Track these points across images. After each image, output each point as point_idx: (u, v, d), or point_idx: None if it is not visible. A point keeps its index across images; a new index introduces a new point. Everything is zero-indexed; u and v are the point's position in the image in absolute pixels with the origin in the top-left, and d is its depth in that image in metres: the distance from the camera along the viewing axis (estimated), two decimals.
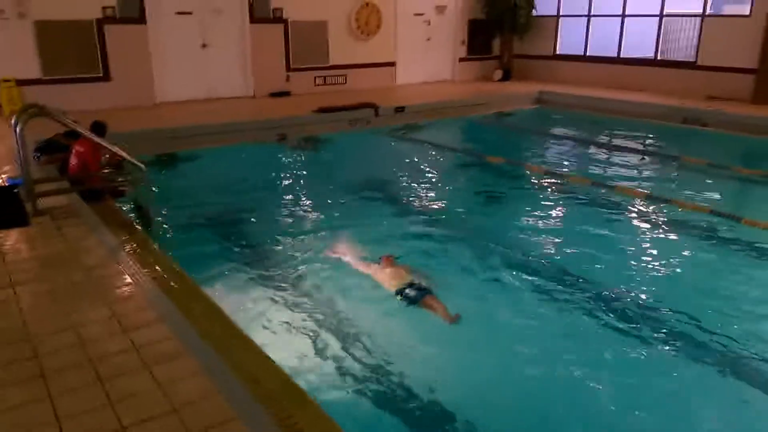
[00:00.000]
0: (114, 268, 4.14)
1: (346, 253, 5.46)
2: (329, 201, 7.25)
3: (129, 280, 3.95)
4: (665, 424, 3.51)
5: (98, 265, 4.16)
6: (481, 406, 3.63)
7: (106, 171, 6.55)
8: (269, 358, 3.24)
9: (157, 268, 4.29)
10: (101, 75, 11.11)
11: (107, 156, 6.51)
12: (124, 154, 5.63)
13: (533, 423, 3.54)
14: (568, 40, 15.46)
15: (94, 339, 3.17)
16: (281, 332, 4.35)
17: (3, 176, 6.44)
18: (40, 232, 4.80)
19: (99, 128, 6.50)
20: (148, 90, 11.64)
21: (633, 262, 5.53)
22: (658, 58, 13.72)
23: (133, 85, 11.39)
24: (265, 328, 4.38)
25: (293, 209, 7.13)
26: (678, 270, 5.46)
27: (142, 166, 5.68)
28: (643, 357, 4.11)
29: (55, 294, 3.71)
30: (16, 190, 5.72)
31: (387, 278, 4.90)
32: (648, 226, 6.51)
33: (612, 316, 4.54)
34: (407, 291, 4.68)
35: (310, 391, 3.11)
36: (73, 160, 6.25)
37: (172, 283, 4.03)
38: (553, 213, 6.97)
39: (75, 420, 2.54)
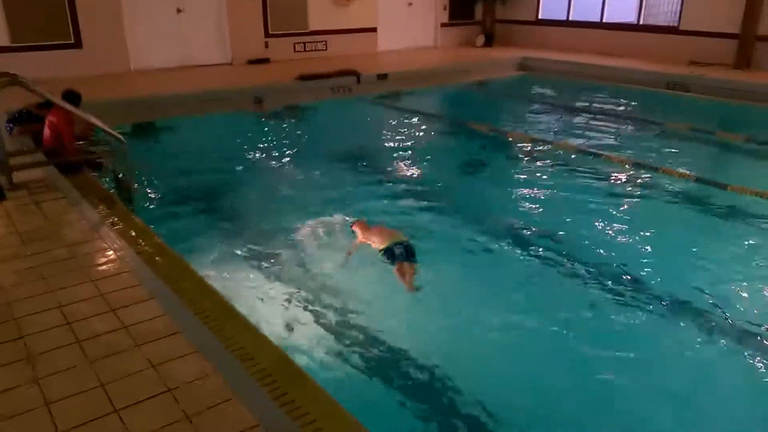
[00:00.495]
0: (98, 244, 4.01)
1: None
2: (312, 170, 7.13)
3: (114, 255, 3.83)
4: (645, 391, 3.55)
5: (81, 241, 4.02)
6: (469, 374, 3.65)
7: (81, 143, 6.34)
8: (263, 334, 3.18)
9: (141, 242, 4.18)
10: (72, 42, 10.70)
11: (81, 127, 6.30)
12: (102, 125, 5.43)
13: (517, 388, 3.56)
14: (551, 4, 15.27)
15: (81, 318, 3.07)
16: (265, 303, 4.29)
17: None
18: (18, 207, 4.62)
19: (72, 98, 6.25)
20: (122, 57, 11.26)
21: (618, 229, 5.54)
22: (641, 22, 13.63)
23: (105, 51, 11.01)
24: (249, 299, 4.30)
25: (275, 179, 7.00)
26: (664, 237, 5.47)
27: (122, 137, 5.49)
28: (624, 321, 4.13)
29: (38, 272, 3.57)
30: None
31: (376, 239, 4.77)
32: (634, 193, 6.52)
33: (595, 282, 4.57)
34: (396, 249, 4.55)
35: (300, 361, 3.06)
36: (46, 132, 6.02)
37: (158, 259, 3.93)
38: (537, 180, 6.93)
39: (65, 404, 2.46)
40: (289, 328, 4.01)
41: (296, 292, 4.42)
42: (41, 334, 2.92)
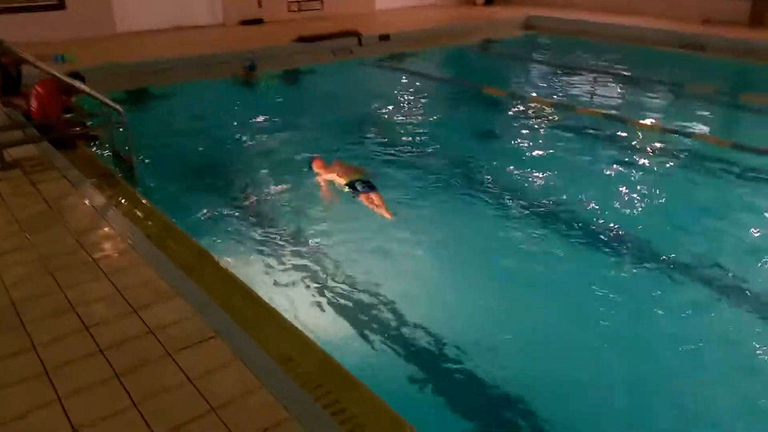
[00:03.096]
0: (106, 231, 3.63)
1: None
2: (313, 136, 6.72)
3: (125, 244, 3.45)
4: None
5: (88, 228, 3.64)
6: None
7: (69, 115, 5.87)
8: (303, 334, 2.87)
9: (151, 225, 3.83)
10: (55, 2, 10.01)
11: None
12: (100, 96, 4.97)
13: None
14: None
15: (101, 321, 2.71)
16: (288, 285, 3.92)
17: None
18: (14, 189, 4.19)
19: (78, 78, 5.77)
20: (107, 18, 10.59)
21: (640, 196, 5.24)
22: None
23: (90, 12, 10.33)
24: (261, 278, 3.93)
25: (275, 146, 6.54)
26: (692, 207, 5.16)
27: (120, 108, 5.02)
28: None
29: (45, 265, 3.19)
30: None
31: (338, 175, 4.94)
32: (662, 159, 6.17)
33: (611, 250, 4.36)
34: (357, 185, 4.77)
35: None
36: (34, 104, 5.54)
37: (172, 244, 3.59)
38: (546, 144, 6.58)
39: (94, 430, 2.13)
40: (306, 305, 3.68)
41: (305, 267, 4.08)
42: (57, 342, 2.57)
